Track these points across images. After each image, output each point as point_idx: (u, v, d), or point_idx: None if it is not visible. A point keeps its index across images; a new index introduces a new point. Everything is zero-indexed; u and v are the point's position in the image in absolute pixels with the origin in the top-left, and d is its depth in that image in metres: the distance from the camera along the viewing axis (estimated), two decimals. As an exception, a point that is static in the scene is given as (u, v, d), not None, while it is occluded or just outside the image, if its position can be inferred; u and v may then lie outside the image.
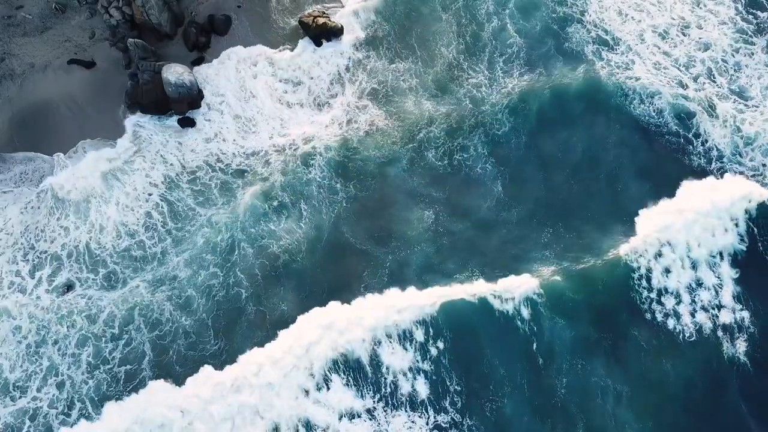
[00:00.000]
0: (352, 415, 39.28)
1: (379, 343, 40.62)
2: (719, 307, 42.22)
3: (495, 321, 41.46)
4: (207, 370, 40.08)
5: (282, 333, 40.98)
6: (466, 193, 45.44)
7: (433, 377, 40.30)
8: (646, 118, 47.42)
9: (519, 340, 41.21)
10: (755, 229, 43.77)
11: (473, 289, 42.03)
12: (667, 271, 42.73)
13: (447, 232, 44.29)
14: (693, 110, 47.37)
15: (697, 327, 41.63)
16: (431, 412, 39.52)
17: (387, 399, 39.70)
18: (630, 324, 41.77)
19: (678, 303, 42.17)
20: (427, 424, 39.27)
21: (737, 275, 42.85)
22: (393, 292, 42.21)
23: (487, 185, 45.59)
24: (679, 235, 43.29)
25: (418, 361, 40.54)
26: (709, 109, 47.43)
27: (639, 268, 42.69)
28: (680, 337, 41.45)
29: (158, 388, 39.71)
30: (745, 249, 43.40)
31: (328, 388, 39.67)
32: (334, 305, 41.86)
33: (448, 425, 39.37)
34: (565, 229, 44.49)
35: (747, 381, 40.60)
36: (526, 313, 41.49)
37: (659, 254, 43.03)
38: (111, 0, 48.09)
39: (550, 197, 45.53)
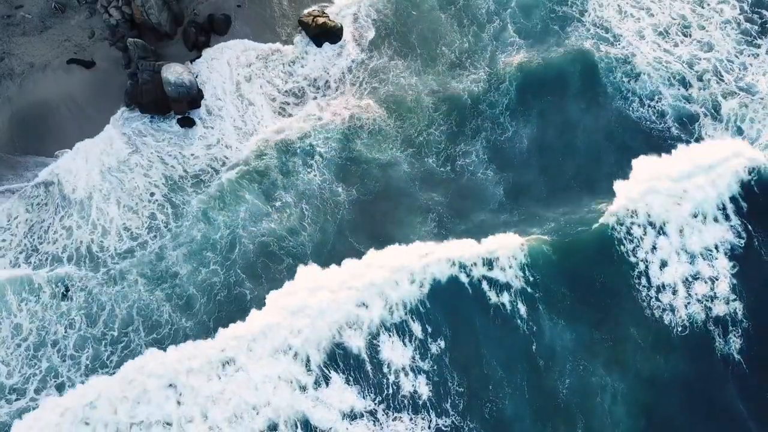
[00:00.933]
0: (353, 416, 39.25)
1: (378, 335, 40.74)
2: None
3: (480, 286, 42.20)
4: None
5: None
6: (468, 194, 45.52)
7: (421, 341, 40.81)
8: (647, 122, 47.36)
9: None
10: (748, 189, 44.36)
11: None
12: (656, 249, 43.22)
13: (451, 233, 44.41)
14: (694, 112, 47.38)
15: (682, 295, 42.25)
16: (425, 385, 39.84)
17: (386, 395, 39.72)
18: (618, 292, 42.46)
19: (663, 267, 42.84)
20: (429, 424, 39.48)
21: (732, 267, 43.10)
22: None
23: (489, 189, 45.62)
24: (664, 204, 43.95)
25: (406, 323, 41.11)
26: (713, 111, 47.36)
27: (623, 230, 43.35)
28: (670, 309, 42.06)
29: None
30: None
31: (327, 386, 39.66)
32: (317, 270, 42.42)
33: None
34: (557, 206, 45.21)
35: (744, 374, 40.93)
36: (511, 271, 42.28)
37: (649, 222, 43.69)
38: (110, 0, 48.01)
39: (550, 196, 45.68)
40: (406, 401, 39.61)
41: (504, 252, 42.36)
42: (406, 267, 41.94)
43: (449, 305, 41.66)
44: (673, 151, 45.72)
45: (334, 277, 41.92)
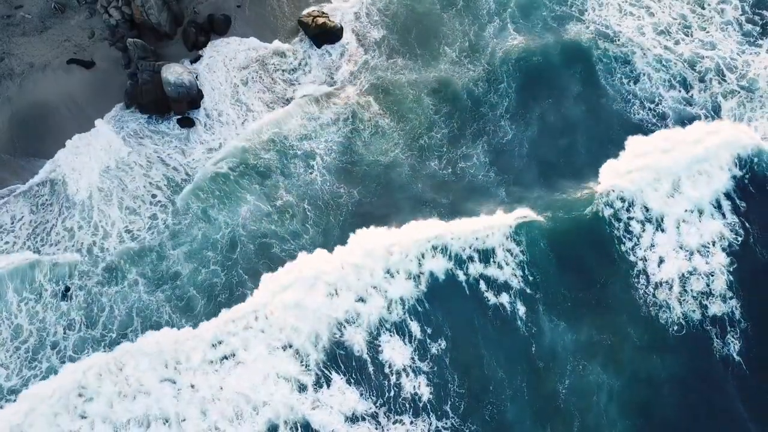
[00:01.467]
0: (354, 419, 39.14)
1: (377, 335, 40.74)
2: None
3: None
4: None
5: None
6: (469, 195, 45.50)
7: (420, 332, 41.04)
8: (648, 123, 47.36)
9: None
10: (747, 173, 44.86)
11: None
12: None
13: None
14: (695, 113, 47.35)
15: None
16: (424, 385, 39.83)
17: (387, 397, 39.67)
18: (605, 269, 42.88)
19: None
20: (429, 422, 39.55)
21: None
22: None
23: (491, 190, 45.58)
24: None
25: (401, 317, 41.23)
26: (713, 113, 47.33)
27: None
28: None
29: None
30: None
31: (329, 387, 39.62)
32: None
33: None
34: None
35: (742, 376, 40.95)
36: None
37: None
38: (110, 0, 47.98)
39: (549, 191, 45.78)
40: (407, 403, 39.55)
41: (497, 237, 42.63)
42: (400, 250, 42.21)
43: (447, 304, 41.72)
44: (669, 136, 46.00)
45: (330, 267, 41.99)
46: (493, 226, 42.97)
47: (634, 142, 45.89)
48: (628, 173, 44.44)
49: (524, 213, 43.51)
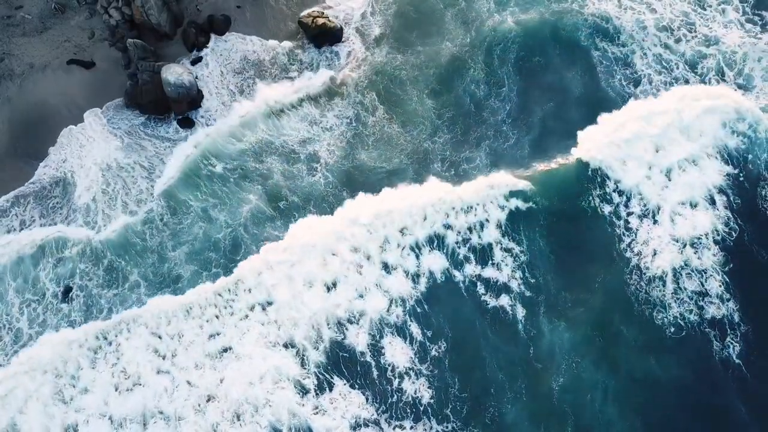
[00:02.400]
0: (356, 425, 39.09)
1: (381, 337, 40.77)
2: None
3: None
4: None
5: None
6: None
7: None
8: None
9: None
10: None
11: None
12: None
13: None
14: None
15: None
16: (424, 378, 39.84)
17: (389, 402, 39.65)
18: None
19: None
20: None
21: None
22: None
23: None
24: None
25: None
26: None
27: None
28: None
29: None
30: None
31: (330, 390, 39.64)
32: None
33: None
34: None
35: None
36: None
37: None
38: (110, 0, 47.93)
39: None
40: (408, 408, 39.51)
41: (492, 227, 43.19)
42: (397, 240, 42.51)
43: (446, 305, 41.84)
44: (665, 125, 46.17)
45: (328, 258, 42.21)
46: (487, 194, 43.99)
47: (629, 126, 46.21)
48: (623, 161, 44.91)
49: (518, 183, 44.16)
